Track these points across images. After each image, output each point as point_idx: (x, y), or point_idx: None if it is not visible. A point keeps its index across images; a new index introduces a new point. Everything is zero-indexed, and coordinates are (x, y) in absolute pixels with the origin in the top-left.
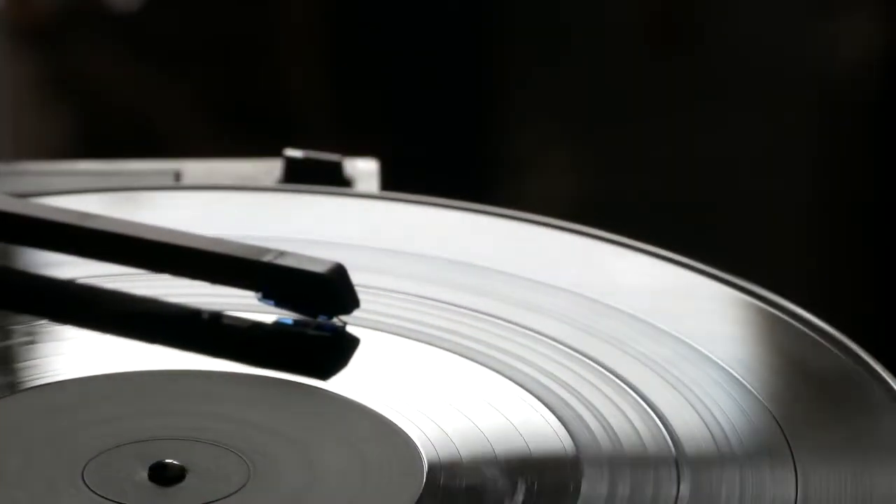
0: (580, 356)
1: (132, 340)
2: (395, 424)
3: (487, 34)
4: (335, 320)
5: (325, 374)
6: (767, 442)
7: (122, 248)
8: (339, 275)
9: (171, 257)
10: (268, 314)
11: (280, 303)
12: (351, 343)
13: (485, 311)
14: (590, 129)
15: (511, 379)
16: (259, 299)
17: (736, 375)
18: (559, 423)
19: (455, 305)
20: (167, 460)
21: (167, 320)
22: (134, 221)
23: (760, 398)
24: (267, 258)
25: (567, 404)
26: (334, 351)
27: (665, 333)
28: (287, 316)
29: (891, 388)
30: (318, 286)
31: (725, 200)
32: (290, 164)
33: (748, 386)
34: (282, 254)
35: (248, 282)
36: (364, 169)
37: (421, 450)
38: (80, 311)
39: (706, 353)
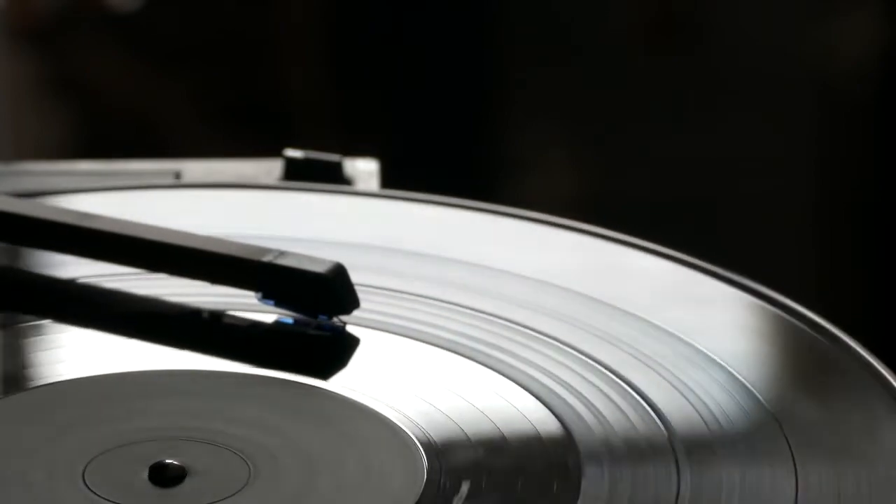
0: (580, 355)
1: (132, 340)
2: (396, 424)
3: (487, 34)
4: (335, 320)
5: (325, 374)
6: (767, 441)
7: (121, 248)
8: (338, 275)
9: (171, 257)
10: (268, 314)
11: (280, 303)
12: (351, 343)
13: (485, 311)
14: (589, 129)
15: (512, 378)
16: (259, 299)
17: (735, 374)
18: (560, 423)
19: (455, 305)
20: (167, 460)
21: (167, 320)
22: (133, 221)
23: (760, 397)
24: (267, 258)
25: (567, 404)
26: (334, 351)
27: (665, 332)
28: (287, 316)
29: (891, 386)
30: (317, 286)
31: (725, 200)
32: (290, 164)
33: (748, 385)
34: (282, 254)
35: (248, 282)
36: (364, 169)
37: (421, 449)
38: (80, 312)
39: (706, 351)
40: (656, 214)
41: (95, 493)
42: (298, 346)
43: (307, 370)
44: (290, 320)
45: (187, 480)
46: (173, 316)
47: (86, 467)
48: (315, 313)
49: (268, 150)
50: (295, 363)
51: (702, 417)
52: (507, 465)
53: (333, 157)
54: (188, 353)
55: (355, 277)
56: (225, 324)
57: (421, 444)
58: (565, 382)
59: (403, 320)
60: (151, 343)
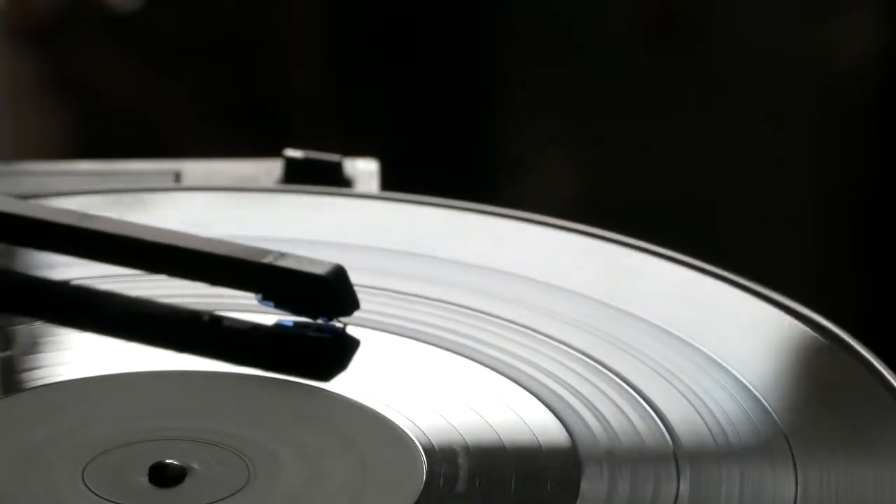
0: (580, 355)
1: (132, 342)
2: (395, 424)
3: (487, 34)
4: (335, 322)
5: (325, 375)
6: (767, 441)
7: (121, 249)
8: (339, 276)
9: (171, 259)
10: (268, 315)
11: (280, 304)
12: (351, 344)
13: (485, 311)
14: (589, 129)
15: (511, 378)
16: (259, 301)
17: (736, 374)
18: (559, 423)
19: (455, 305)
20: (167, 460)
21: (166, 322)
22: (133, 223)
23: (760, 397)
24: (267, 260)
25: (567, 403)
26: (334, 352)
27: (666, 332)
28: (287, 318)
29: (891, 386)
30: (318, 288)
31: (725, 200)
32: (290, 164)
33: (748, 385)
34: (282, 255)
35: (248, 283)
36: (364, 169)
37: (421, 449)
38: (80, 312)
39: (706, 351)
40: (656, 214)
41: (95, 494)
42: (298, 348)
43: (307, 371)
44: (289, 322)
45: (187, 480)
46: (173, 318)
47: (86, 467)
48: (315, 315)
49: (268, 150)
50: (295, 365)
51: (701, 417)
52: (507, 466)
53: (333, 158)
54: (188, 356)
55: (355, 278)
56: (225, 326)
57: (421, 444)
58: (565, 382)
59: (403, 321)
60: (151, 345)
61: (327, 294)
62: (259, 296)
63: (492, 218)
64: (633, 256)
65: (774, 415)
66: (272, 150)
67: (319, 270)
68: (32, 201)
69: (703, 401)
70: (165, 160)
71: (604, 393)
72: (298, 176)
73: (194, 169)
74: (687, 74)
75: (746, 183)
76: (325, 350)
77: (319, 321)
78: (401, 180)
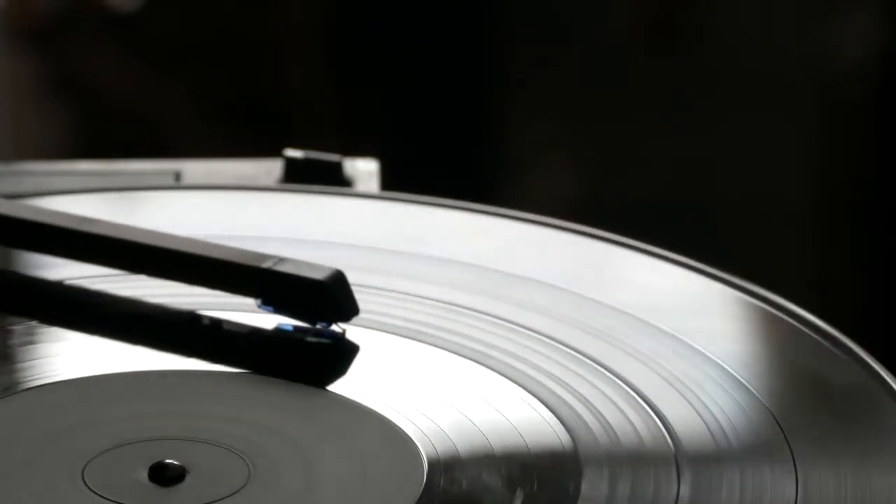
0: (580, 356)
1: (132, 344)
2: (395, 424)
3: (487, 34)
4: (334, 327)
5: (324, 376)
6: (767, 442)
7: (120, 252)
8: (338, 282)
9: (170, 263)
10: (267, 317)
11: (279, 309)
12: (350, 348)
13: (485, 311)
14: (590, 129)
15: (511, 379)
16: (258, 305)
17: (736, 375)
18: (559, 423)
19: (455, 305)
20: (167, 460)
21: (166, 325)
22: (132, 226)
23: (760, 398)
24: (266, 264)
25: (567, 404)
26: (334, 353)
27: (665, 333)
28: (286, 322)
29: (890, 388)
30: (317, 293)
31: (725, 200)
32: (290, 164)
33: (748, 386)
34: (281, 260)
35: (248, 288)
36: (364, 169)
37: (421, 450)
38: (79, 314)
39: (706, 353)
40: (656, 214)
41: (95, 493)
42: (297, 352)
43: (306, 375)
44: (289, 326)
45: (187, 480)
46: (173, 321)
47: (86, 467)
48: (314, 320)
49: (268, 150)
50: (294, 370)
51: (701, 418)
52: (507, 466)
53: (333, 157)
54: (187, 360)
55: (354, 278)
56: (224, 330)
57: (421, 444)
58: (564, 382)
59: (403, 321)
60: (152, 349)
61: (327, 299)
62: (258, 301)
63: (492, 218)
64: (633, 258)
65: (774, 415)
66: (272, 150)
67: (319, 276)
68: (31, 204)
69: (704, 402)
70: (165, 160)
71: (604, 394)
72: (298, 176)
73: (194, 169)
74: (687, 74)
75: (746, 183)
76: (324, 353)
77: (318, 326)
78: (401, 180)
